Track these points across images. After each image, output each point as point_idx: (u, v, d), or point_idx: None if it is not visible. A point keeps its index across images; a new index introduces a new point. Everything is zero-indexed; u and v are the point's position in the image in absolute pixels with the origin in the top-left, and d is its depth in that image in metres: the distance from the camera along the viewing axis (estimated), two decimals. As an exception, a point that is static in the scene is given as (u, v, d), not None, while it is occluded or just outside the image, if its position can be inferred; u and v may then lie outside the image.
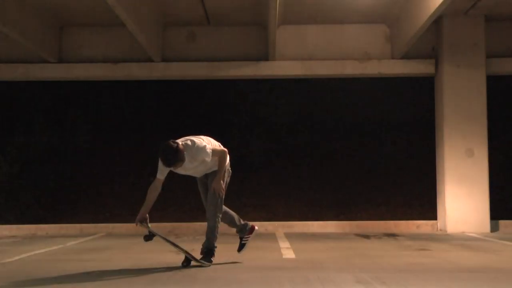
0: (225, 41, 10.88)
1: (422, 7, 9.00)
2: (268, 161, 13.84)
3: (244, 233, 6.18)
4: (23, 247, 7.98)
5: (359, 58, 10.75)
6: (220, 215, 5.87)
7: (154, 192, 5.67)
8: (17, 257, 6.80)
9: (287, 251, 7.13)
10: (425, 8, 8.89)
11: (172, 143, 5.41)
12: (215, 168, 5.76)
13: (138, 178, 12.78)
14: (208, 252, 5.87)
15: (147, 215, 5.73)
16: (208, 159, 5.59)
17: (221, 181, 5.72)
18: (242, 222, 6.15)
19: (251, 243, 8.34)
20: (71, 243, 8.57)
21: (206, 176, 5.90)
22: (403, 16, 9.99)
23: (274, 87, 14.26)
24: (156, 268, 5.71)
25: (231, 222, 6.11)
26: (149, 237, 5.74)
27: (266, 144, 13.96)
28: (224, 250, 7.39)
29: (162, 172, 5.64)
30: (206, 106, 14.51)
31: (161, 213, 11.93)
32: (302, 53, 10.80)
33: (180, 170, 5.70)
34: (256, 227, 6.22)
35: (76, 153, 13.94)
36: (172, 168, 5.57)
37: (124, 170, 13.50)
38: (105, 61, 10.84)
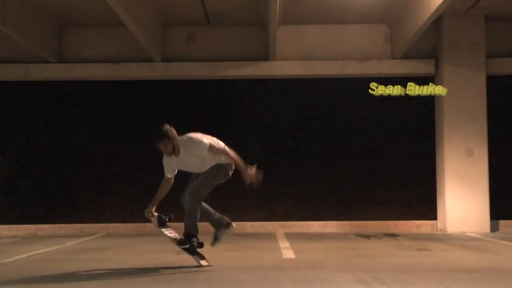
0: (225, 41, 10.88)
1: (422, 7, 9.00)
2: (268, 161, 13.83)
3: (220, 227, 5.86)
4: (23, 247, 7.98)
5: (359, 58, 10.74)
6: (198, 204, 5.72)
7: (163, 187, 5.76)
8: (17, 257, 6.80)
9: (287, 251, 7.13)
10: (425, 8, 8.89)
11: (165, 125, 5.59)
12: (213, 164, 5.68)
13: (138, 178, 12.78)
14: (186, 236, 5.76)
15: (153, 210, 5.84)
16: (204, 152, 5.52)
17: (249, 170, 5.58)
18: (217, 215, 5.88)
19: (250, 243, 8.36)
20: (71, 243, 8.57)
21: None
22: (403, 16, 9.99)
23: (274, 87, 14.24)
24: (156, 268, 5.70)
25: (208, 217, 5.88)
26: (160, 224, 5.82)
27: (266, 144, 13.96)
28: (224, 250, 7.40)
29: (166, 168, 5.71)
30: (206, 106, 14.50)
31: (161, 213, 11.91)
32: (302, 53, 10.80)
33: (180, 164, 5.69)
34: (234, 224, 5.89)
35: (76, 153, 13.93)
36: (161, 148, 5.56)
37: (124, 170, 13.50)
38: (105, 61, 10.83)
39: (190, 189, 5.71)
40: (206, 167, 5.74)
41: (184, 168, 5.78)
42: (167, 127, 5.56)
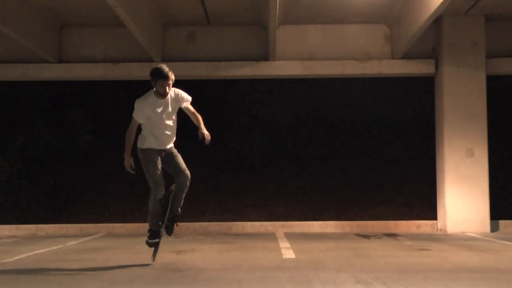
0: (225, 41, 10.88)
1: (422, 7, 9.00)
2: (268, 161, 13.84)
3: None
4: (23, 247, 7.98)
5: (359, 58, 10.74)
6: None
7: (133, 131, 5.92)
8: (17, 257, 6.80)
9: (287, 251, 7.13)
10: (425, 8, 8.89)
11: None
12: (172, 146, 5.99)
13: (138, 178, 12.76)
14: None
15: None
16: (187, 101, 6.03)
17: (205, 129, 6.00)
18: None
19: (250, 243, 8.36)
20: (71, 243, 8.57)
21: (165, 156, 5.98)
22: (403, 16, 9.99)
23: (274, 87, 14.26)
24: (156, 268, 5.70)
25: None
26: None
27: (266, 144, 13.96)
28: (224, 250, 7.41)
29: (142, 114, 5.82)
30: (206, 106, 14.45)
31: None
32: (302, 53, 10.80)
33: (156, 111, 5.81)
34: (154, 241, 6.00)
35: (76, 153, 13.94)
36: (165, 86, 5.75)
37: (124, 170, 13.47)
38: (105, 61, 10.83)
39: (183, 168, 5.93)
40: (170, 132, 5.94)
41: (155, 118, 5.84)
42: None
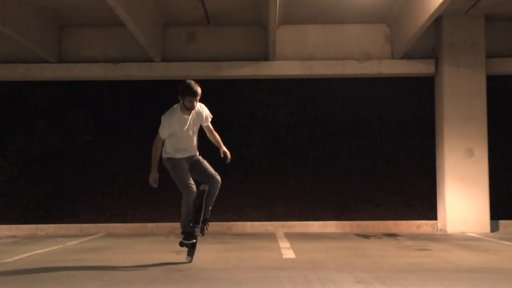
0: (225, 41, 10.88)
1: (422, 7, 9.00)
2: (268, 161, 13.84)
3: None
4: (23, 247, 7.98)
5: (359, 58, 10.74)
6: None
7: (158, 147, 5.98)
8: (17, 257, 6.80)
9: (287, 251, 7.13)
10: (425, 8, 8.90)
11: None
12: (196, 153, 6.16)
13: (138, 178, 12.79)
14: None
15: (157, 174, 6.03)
16: (208, 118, 6.24)
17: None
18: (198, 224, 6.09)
19: (250, 243, 8.36)
20: (71, 243, 8.57)
21: (192, 162, 6.12)
22: (403, 16, 9.99)
23: (274, 87, 14.25)
24: (156, 268, 5.71)
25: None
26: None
27: (266, 144, 13.95)
28: (224, 250, 7.41)
29: (167, 129, 5.89)
30: (206, 106, 14.51)
31: (161, 213, 11.94)
32: (302, 53, 10.80)
33: (180, 127, 5.91)
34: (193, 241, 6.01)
35: (76, 153, 13.94)
36: (192, 102, 5.86)
37: (124, 170, 13.50)
38: (105, 61, 10.83)
39: (213, 174, 6.17)
40: (194, 141, 6.11)
41: (179, 132, 5.94)
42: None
